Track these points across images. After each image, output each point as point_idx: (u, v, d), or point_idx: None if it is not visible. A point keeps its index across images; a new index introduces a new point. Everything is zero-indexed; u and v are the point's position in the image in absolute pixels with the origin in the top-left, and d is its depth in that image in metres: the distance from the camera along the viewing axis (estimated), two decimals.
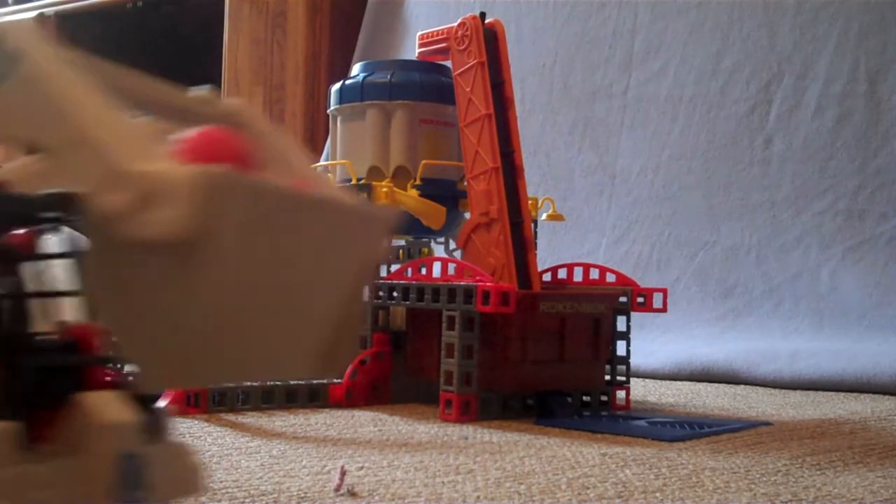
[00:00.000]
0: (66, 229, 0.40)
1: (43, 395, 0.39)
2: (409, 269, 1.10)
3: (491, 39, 1.09)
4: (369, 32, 2.28)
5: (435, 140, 1.18)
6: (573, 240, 1.84)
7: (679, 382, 1.45)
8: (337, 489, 0.65)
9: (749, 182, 1.72)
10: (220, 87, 2.39)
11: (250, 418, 0.98)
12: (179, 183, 0.31)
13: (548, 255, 1.77)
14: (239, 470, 0.71)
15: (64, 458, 0.38)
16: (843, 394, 1.32)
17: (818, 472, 0.75)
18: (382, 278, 1.11)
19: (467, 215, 1.12)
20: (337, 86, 1.21)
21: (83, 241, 0.35)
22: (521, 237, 1.06)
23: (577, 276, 1.17)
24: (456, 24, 1.10)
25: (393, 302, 1.09)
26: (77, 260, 0.39)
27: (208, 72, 2.60)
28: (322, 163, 1.36)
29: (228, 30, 2.37)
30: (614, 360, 1.13)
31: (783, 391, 1.36)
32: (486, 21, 1.10)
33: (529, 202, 1.11)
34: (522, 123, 1.13)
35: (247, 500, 0.62)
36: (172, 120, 0.42)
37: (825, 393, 1.32)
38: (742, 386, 1.41)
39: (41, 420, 0.39)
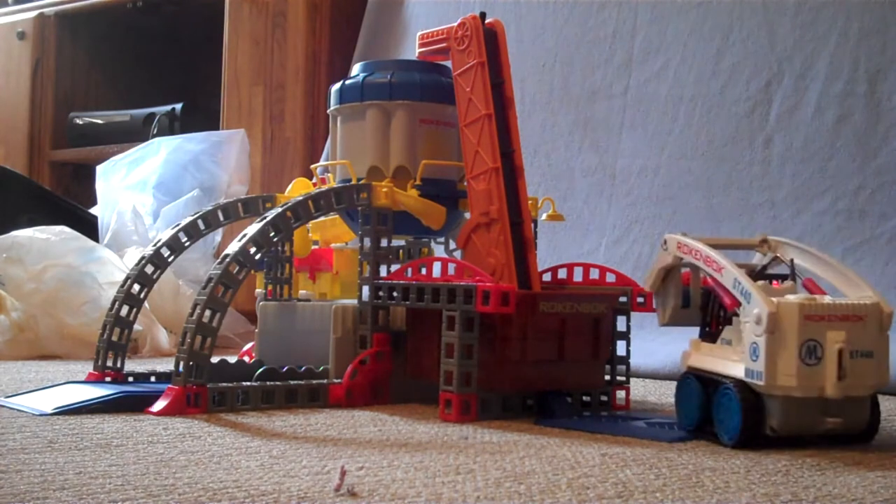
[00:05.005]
0: None
1: None
2: (409, 269, 1.10)
3: (491, 39, 1.09)
4: (369, 32, 2.28)
5: (435, 140, 1.18)
6: (573, 240, 1.84)
7: None
8: (337, 489, 0.65)
9: (749, 182, 1.72)
10: (220, 87, 2.39)
11: (250, 418, 0.98)
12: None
13: (548, 255, 1.77)
14: (239, 470, 0.71)
15: None
16: None
17: (818, 472, 0.75)
18: (382, 278, 1.11)
19: (467, 215, 1.12)
20: (337, 86, 1.21)
21: None
22: (521, 237, 1.06)
23: (577, 276, 1.17)
24: (456, 24, 1.10)
25: (393, 302, 1.09)
26: None
27: (208, 72, 2.60)
28: (322, 163, 1.36)
29: (228, 30, 2.37)
30: (614, 360, 1.13)
31: None
32: (486, 21, 1.10)
33: (529, 202, 1.11)
34: (522, 123, 1.13)
35: (247, 500, 0.62)
36: None
37: None
38: None
39: None
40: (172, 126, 2.57)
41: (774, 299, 0.83)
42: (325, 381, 1.09)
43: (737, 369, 0.86)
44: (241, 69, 2.34)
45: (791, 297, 0.83)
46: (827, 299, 0.84)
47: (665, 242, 0.96)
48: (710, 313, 0.94)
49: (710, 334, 0.93)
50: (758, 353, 0.83)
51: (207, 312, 1.01)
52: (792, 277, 0.88)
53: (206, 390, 1.00)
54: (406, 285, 1.07)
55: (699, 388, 0.90)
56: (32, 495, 0.62)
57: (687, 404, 0.91)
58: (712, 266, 0.90)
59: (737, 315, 0.87)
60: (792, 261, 0.90)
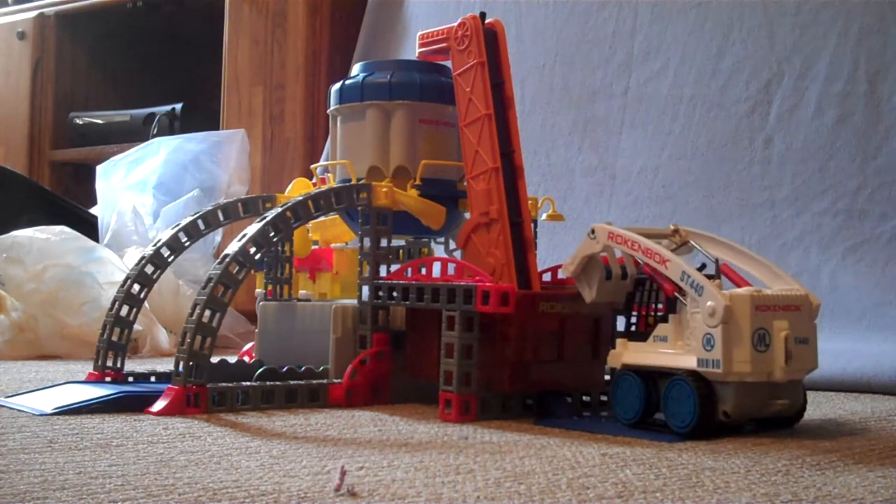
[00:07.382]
0: None
1: None
2: (409, 269, 1.10)
3: (491, 39, 1.09)
4: (369, 32, 2.28)
5: (435, 140, 1.18)
6: (573, 240, 1.84)
7: None
8: (337, 489, 0.65)
9: (749, 182, 1.72)
10: (220, 87, 2.39)
11: (250, 418, 0.98)
12: None
13: (548, 255, 1.77)
14: (239, 470, 0.71)
15: None
16: (843, 394, 1.32)
17: (818, 472, 0.75)
18: (382, 278, 1.11)
19: (467, 215, 1.12)
20: (337, 86, 1.21)
21: None
22: (521, 237, 1.06)
23: None
24: (456, 24, 1.10)
25: (393, 302, 1.09)
26: None
27: (208, 72, 2.60)
28: (322, 163, 1.36)
29: (228, 30, 2.37)
30: None
31: None
32: (486, 21, 1.10)
33: (529, 202, 1.11)
34: (522, 123, 1.13)
35: (247, 500, 0.62)
36: None
37: (825, 393, 1.32)
38: None
39: None
40: (172, 126, 2.57)
41: (726, 292, 0.89)
42: (324, 381, 1.09)
43: (686, 361, 0.91)
44: (241, 69, 2.34)
45: (740, 290, 0.90)
46: (769, 291, 0.91)
47: (593, 231, 0.99)
48: (639, 314, 0.99)
49: (638, 334, 0.98)
50: (713, 343, 0.88)
51: (207, 312, 1.01)
52: (717, 276, 0.92)
53: (206, 390, 1.00)
54: (406, 285, 1.07)
55: (639, 382, 0.94)
56: (32, 495, 0.62)
57: (627, 399, 0.96)
58: (654, 258, 0.94)
59: (674, 304, 0.92)
60: (717, 260, 0.94)
